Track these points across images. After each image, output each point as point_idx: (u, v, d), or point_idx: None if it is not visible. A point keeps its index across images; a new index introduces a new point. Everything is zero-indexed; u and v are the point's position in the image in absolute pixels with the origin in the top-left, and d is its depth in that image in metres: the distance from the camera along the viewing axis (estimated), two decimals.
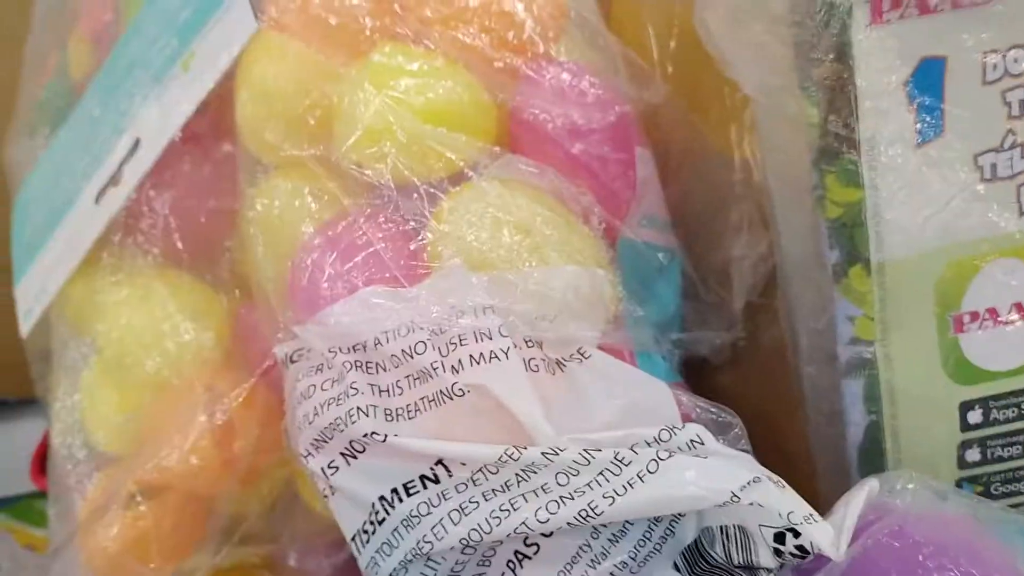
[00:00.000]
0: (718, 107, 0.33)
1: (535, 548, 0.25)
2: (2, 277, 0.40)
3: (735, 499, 0.23)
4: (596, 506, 0.23)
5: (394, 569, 0.26)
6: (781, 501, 0.23)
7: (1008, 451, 0.29)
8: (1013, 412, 0.28)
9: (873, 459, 0.28)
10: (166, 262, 0.34)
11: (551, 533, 0.24)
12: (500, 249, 0.28)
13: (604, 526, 0.24)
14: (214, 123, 0.33)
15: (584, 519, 0.23)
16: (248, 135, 0.30)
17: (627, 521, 0.24)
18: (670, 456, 0.24)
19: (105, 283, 0.35)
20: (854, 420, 0.28)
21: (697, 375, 0.34)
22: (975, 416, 0.28)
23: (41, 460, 0.49)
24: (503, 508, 0.24)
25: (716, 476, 0.23)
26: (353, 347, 0.27)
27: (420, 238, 0.28)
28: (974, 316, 0.27)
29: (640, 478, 0.23)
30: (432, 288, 0.27)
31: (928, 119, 0.26)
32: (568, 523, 0.23)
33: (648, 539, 0.24)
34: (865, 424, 0.28)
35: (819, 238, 0.27)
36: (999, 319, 0.27)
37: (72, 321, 0.36)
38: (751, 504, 0.23)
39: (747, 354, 0.34)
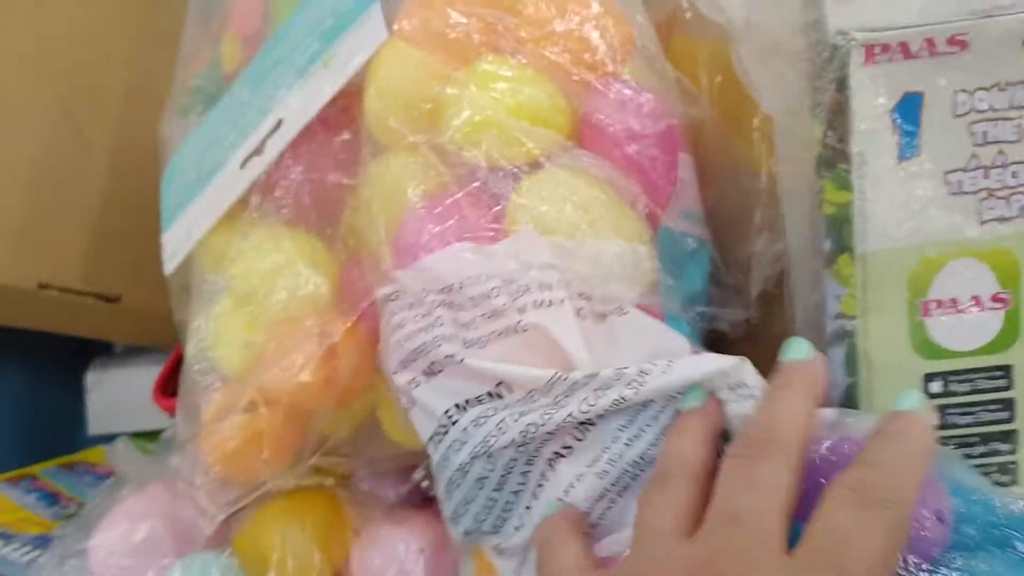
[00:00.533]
0: (749, 129, 0.40)
1: (570, 448, 0.32)
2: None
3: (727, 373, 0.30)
4: (625, 396, 0.30)
5: (462, 463, 0.33)
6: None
7: (963, 419, 0.35)
8: (968, 386, 0.35)
9: None
10: (293, 220, 0.42)
11: (588, 429, 0.31)
12: (563, 221, 0.35)
13: (624, 426, 0.31)
14: (342, 111, 0.41)
15: (617, 407, 0.30)
16: (374, 121, 0.38)
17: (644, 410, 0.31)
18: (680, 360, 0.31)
19: (242, 233, 0.43)
20: (836, 383, 0.35)
21: (715, 349, 0.41)
22: (936, 387, 0.35)
23: (164, 382, 0.58)
24: (552, 407, 0.31)
25: (713, 359, 0.31)
26: (441, 289, 0.35)
27: (501, 208, 0.36)
28: (939, 303, 0.34)
29: (661, 372, 0.30)
30: (508, 247, 0.35)
31: (907, 141, 0.33)
32: (605, 410, 0.30)
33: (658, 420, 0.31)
34: (845, 386, 0.35)
35: (816, 231, 0.34)
36: (959, 307, 0.34)
37: (211, 263, 0.44)
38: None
39: (759, 334, 0.41)
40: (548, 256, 0.34)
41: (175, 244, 0.46)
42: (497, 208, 0.36)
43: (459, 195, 0.36)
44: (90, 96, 0.60)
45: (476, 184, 0.36)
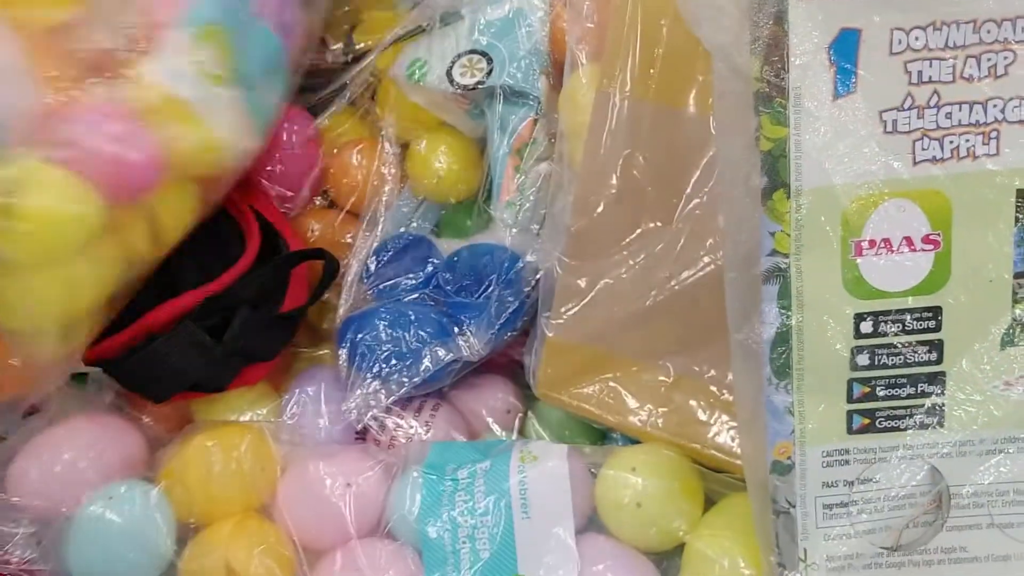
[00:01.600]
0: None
1: None
2: None
3: None
4: None
5: None
6: None
7: (892, 360, 0.35)
8: (898, 327, 0.35)
9: (780, 353, 0.35)
10: None
11: None
12: None
13: None
14: None
15: None
16: None
17: None
18: None
19: None
20: (768, 319, 0.35)
21: None
22: (866, 326, 0.35)
23: None
24: None
25: None
26: None
27: None
28: (872, 243, 0.34)
29: None
30: None
31: (843, 78, 0.33)
32: None
33: None
34: (777, 323, 0.35)
35: (751, 167, 0.34)
36: (892, 248, 0.34)
37: None
38: None
39: None
40: None
41: None
42: None
43: None
44: None
45: None
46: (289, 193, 0.52)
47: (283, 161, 0.51)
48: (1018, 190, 0.34)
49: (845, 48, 0.32)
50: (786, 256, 0.34)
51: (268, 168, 0.51)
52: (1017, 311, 0.35)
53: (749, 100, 0.33)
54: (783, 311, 0.35)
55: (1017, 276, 0.34)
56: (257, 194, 0.51)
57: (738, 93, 0.34)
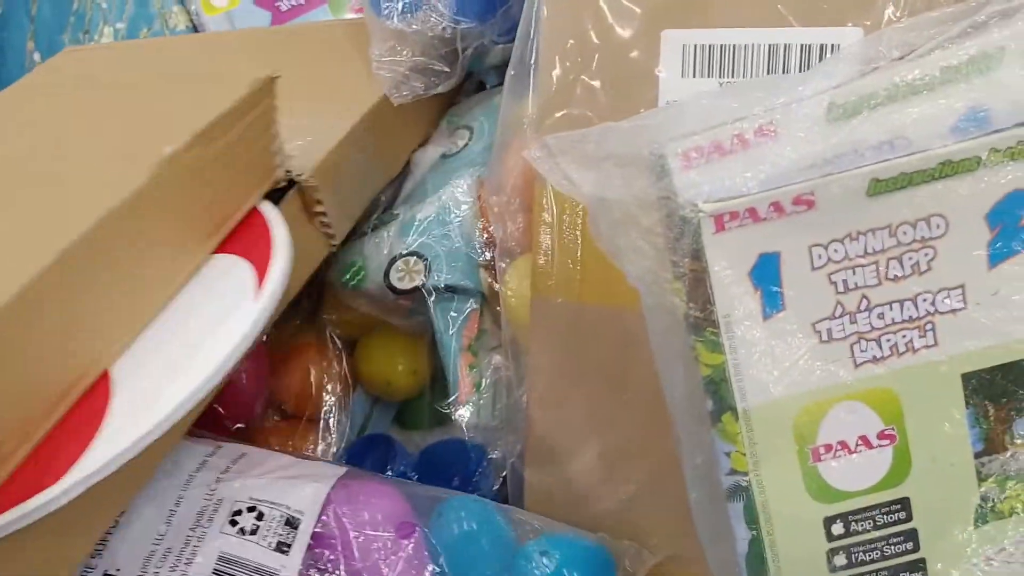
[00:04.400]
0: None
1: None
2: None
3: None
4: None
5: None
6: None
7: (869, 555, 0.35)
8: (870, 524, 0.34)
9: (757, 566, 0.35)
10: None
11: None
12: None
13: None
14: None
15: None
16: None
17: None
18: None
19: None
20: (740, 535, 0.35)
21: None
22: (838, 528, 0.34)
23: None
24: None
25: None
26: None
27: None
28: (828, 448, 0.34)
29: None
30: None
31: (770, 299, 0.32)
32: None
33: None
34: (748, 538, 0.34)
35: (696, 392, 0.34)
36: (849, 449, 0.34)
37: None
38: None
39: None
40: None
41: None
42: None
43: None
44: None
45: None
46: (240, 424, 0.51)
47: (232, 390, 0.51)
48: (963, 375, 0.33)
49: (767, 271, 0.32)
50: (745, 474, 0.34)
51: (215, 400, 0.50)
52: (983, 488, 0.34)
53: (682, 329, 0.33)
54: (752, 527, 0.34)
55: (978, 456, 0.34)
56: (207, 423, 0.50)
57: (669, 324, 0.33)
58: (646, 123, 0.33)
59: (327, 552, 0.38)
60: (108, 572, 0.39)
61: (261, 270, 0.37)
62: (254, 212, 0.41)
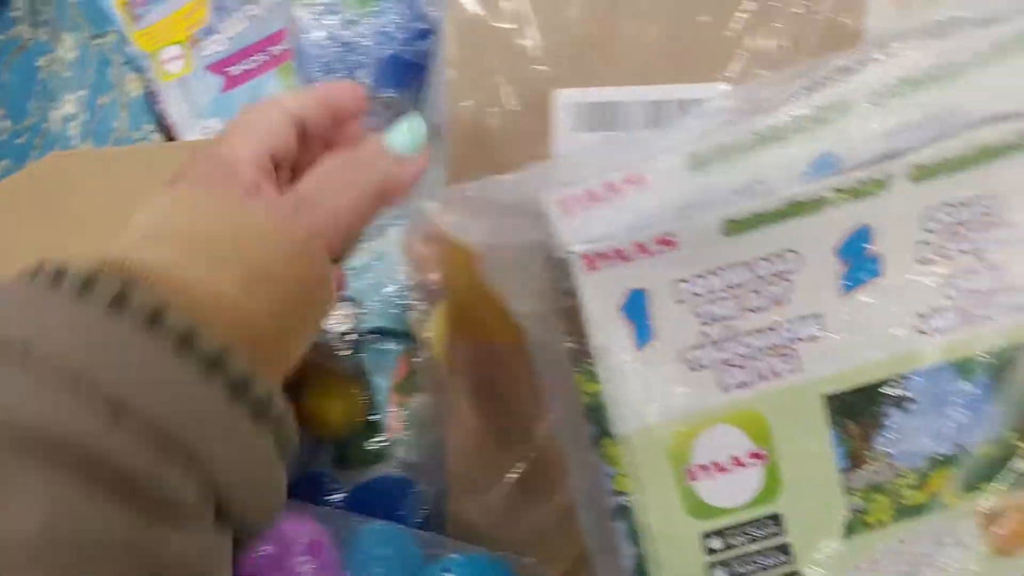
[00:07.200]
0: None
1: None
2: None
3: None
4: None
5: None
6: None
7: (747, 567, 0.37)
8: (746, 538, 0.37)
9: None
10: None
11: None
12: None
13: None
14: None
15: None
16: None
17: None
18: None
19: None
20: (625, 552, 0.37)
21: None
22: (716, 543, 0.37)
23: None
24: None
25: None
26: None
27: None
28: (703, 468, 0.37)
29: None
30: None
31: (641, 332, 0.36)
32: None
33: None
34: (634, 555, 0.37)
35: (579, 418, 0.36)
36: (723, 468, 0.37)
37: None
38: None
39: None
40: None
41: None
42: None
43: None
44: None
45: None
46: None
47: None
48: (826, 397, 0.36)
49: (636, 306, 0.36)
50: (628, 495, 0.37)
51: None
52: (852, 502, 0.37)
53: (563, 361, 0.36)
54: (635, 545, 0.37)
55: (844, 471, 0.37)
56: None
57: (552, 357, 0.36)
58: (528, 175, 0.37)
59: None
60: None
61: None
62: None
